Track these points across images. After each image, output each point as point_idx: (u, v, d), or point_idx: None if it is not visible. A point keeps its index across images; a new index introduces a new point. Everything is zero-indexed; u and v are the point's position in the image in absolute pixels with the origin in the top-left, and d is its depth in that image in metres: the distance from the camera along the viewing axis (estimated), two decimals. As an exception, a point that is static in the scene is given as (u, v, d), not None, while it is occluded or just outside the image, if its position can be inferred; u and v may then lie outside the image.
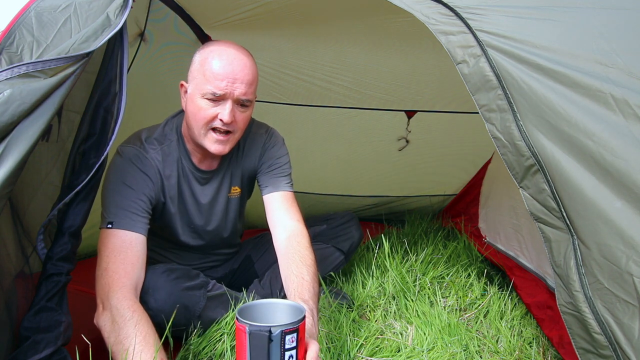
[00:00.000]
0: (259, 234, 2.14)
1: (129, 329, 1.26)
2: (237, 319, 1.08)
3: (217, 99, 1.47)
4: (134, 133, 1.65)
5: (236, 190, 1.79)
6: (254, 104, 1.58)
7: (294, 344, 1.07)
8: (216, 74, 1.45)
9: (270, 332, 1.04)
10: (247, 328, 1.05)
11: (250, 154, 1.76)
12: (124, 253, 1.40)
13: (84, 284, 2.08)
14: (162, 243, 1.81)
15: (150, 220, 1.54)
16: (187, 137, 1.64)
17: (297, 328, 1.08)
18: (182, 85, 1.59)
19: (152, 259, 1.72)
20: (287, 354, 1.06)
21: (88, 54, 1.16)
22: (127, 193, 1.48)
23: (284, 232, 1.62)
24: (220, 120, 1.48)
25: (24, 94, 1.04)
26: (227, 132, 1.52)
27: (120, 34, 1.26)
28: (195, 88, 1.50)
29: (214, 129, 1.51)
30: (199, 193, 1.71)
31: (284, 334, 1.05)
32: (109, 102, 1.28)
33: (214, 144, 1.52)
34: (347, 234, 2.04)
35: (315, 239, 2.00)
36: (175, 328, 1.46)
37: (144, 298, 1.45)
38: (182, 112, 1.65)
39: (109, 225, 1.43)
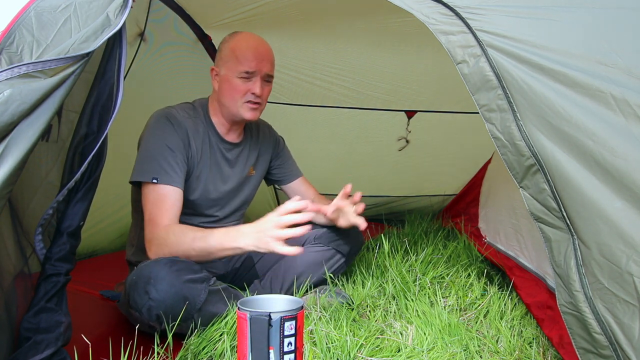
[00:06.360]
0: None
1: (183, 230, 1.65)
2: (238, 308, 1.14)
3: (249, 77, 1.80)
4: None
5: (252, 172, 2.05)
6: (273, 81, 1.93)
7: (293, 332, 1.13)
8: (247, 56, 1.79)
9: (270, 317, 1.10)
10: (248, 315, 1.11)
11: (265, 139, 2.10)
12: (162, 202, 1.70)
13: (84, 284, 2.09)
14: None
15: None
16: (213, 112, 1.93)
17: (296, 316, 1.13)
18: (212, 69, 1.89)
19: None
20: (286, 340, 1.12)
21: (88, 54, 1.16)
22: (166, 152, 1.75)
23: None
24: (253, 93, 1.81)
25: (24, 94, 1.04)
26: (257, 103, 1.85)
27: (119, 34, 1.26)
28: (229, 70, 1.81)
29: (248, 101, 1.83)
30: (222, 161, 1.95)
31: (283, 320, 1.11)
32: (107, 101, 1.28)
33: (249, 112, 1.84)
34: (347, 237, 2.04)
35: (316, 242, 2.01)
36: (176, 322, 1.47)
37: (146, 288, 1.48)
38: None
39: (154, 180, 1.71)
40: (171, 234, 1.65)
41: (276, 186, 2.21)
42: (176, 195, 1.74)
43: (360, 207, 1.91)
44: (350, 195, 1.90)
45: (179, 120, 1.82)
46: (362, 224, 1.86)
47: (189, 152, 1.83)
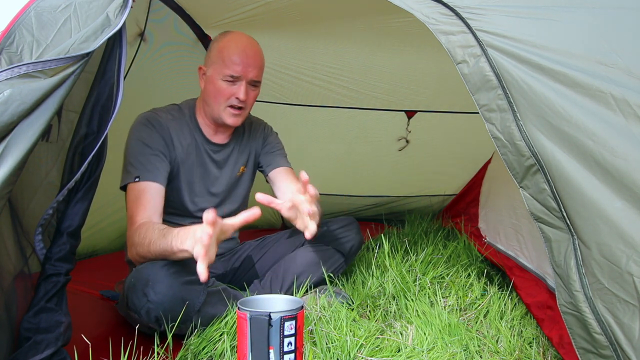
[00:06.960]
0: (260, 237, 2.15)
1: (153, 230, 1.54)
2: (238, 308, 1.15)
3: (233, 81, 1.76)
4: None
5: (243, 169, 2.01)
6: (261, 86, 1.87)
7: (293, 331, 1.13)
8: (234, 60, 1.75)
9: (270, 317, 1.11)
10: (248, 314, 1.12)
11: (255, 137, 2.04)
12: (139, 199, 1.67)
13: (84, 284, 2.09)
14: (167, 216, 1.80)
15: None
16: (200, 113, 1.90)
17: (296, 316, 1.14)
18: (200, 68, 1.86)
19: None
20: (286, 340, 1.12)
21: (88, 54, 1.16)
22: (146, 150, 1.73)
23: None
24: (237, 98, 1.77)
25: (24, 94, 1.04)
26: (240, 108, 1.81)
27: (119, 34, 1.26)
28: (215, 71, 1.78)
29: (231, 106, 1.79)
30: (210, 163, 1.91)
31: (283, 320, 1.12)
32: (107, 101, 1.28)
33: (231, 117, 1.81)
34: (347, 237, 2.04)
35: (316, 241, 2.00)
36: (175, 324, 1.46)
37: (144, 290, 1.48)
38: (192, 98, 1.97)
39: (136, 179, 1.69)
40: (137, 234, 1.58)
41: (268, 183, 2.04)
42: (155, 189, 1.70)
43: (313, 200, 1.50)
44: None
45: (161, 122, 1.80)
46: (312, 229, 1.49)
47: (173, 153, 1.81)
